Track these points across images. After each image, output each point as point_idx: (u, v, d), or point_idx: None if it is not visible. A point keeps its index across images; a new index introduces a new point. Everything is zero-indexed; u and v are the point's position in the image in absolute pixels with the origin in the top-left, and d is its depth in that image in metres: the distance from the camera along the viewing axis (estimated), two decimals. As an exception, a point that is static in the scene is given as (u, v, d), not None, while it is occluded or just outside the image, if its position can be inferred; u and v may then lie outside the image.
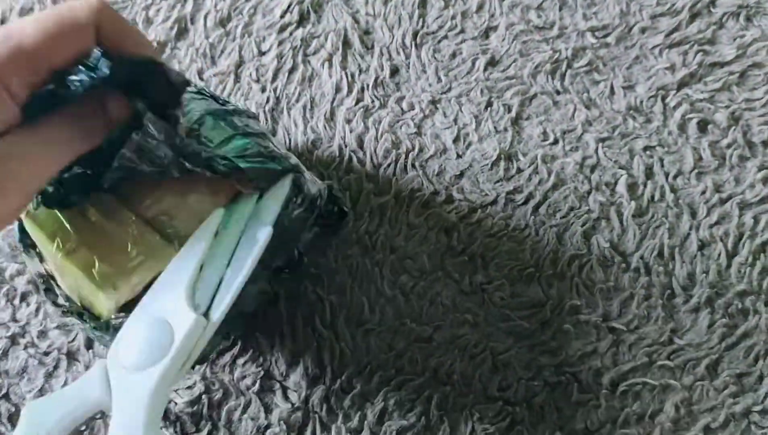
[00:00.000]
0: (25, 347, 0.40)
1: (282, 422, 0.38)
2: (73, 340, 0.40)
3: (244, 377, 0.39)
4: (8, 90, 0.25)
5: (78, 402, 0.27)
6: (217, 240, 0.30)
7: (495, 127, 0.44)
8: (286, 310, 0.40)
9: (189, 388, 0.39)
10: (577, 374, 0.38)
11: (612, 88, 0.44)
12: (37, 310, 0.40)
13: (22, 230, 0.32)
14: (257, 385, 0.39)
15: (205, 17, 0.46)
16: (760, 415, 0.37)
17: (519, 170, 0.43)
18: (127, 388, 0.26)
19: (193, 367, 0.34)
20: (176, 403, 0.39)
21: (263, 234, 0.30)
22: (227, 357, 0.39)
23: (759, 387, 0.38)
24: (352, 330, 0.39)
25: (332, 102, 0.44)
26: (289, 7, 0.46)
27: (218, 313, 0.28)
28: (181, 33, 0.46)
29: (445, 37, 0.46)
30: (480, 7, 0.46)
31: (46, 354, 0.40)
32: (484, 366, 0.38)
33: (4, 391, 0.39)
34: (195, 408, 0.39)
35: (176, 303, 0.27)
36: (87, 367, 0.39)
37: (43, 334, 0.40)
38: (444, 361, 0.39)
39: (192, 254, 0.29)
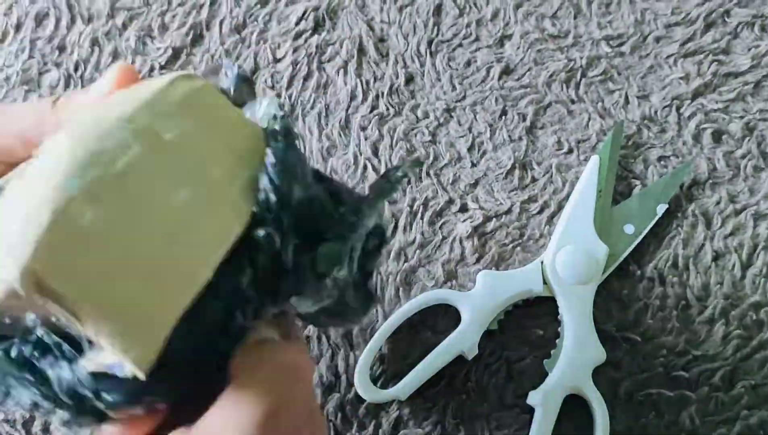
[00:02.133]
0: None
1: (297, 430, 0.38)
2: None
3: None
4: None
5: (522, 285, 0.39)
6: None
7: (510, 136, 0.44)
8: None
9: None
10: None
11: (626, 97, 0.44)
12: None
13: None
14: (272, 392, 0.39)
15: (221, 24, 0.46)
16: (774, 426, 0.38)
17: (534, 179, 0.43)
18: (574, 295, 0.39)
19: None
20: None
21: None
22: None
23: (774, 398, 0.38)
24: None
25: (347, 109, 0.44)
26: (304, 14, 0.46)
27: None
28: (197, 39, 0.46)
29: (460, 45, 0.46)
30: (495, 16, 0.46)
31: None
32: (499, 375, 0.38)
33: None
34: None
35: (591, 238, 0.40)
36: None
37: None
38: (459, 370, 0.39)
39: (585, 202, 0.41)
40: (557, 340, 0.39)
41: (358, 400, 0.38)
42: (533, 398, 0.37)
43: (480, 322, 0.38)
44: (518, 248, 0.41)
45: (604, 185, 0.41)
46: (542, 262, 0.40)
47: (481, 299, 0.39)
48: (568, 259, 0.39)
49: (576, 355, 0.38)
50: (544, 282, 0.39)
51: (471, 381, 0.38)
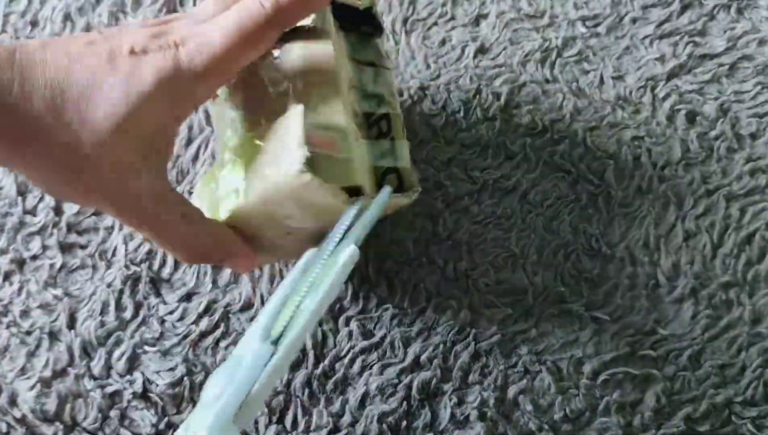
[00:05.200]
0: (8, 326, 0.40)
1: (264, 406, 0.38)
2: (56, 320, 0.40)
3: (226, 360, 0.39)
4: (196, 98, 0.29)
5: None
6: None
7: (484, 115, 0.43)
8: (269, 293, 0.40)
9: (171, 370, 0.39)
10: (557, 362, 0.38)
11: (601, 77, 0.44)
12: (20, 289, 0.40)
13: None
14: (239, 368, 0.39)
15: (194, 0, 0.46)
16: (741, 405, 0.37)
17: (507, 158, 0.43)
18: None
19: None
20: (157, 385, 0.39)
21: (345, 254, 0.28)
22: (210, 340, 0.39)
23: (741, 378, 0.38)
24: (334, 315, 0.39)
25: (320, 87, 0.44)
26: (279, -10, 0.46)
27: (287, 341, 0.26)
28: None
29: (435, 23, 0.45)
30: (471, -5, 0.46)
31: (29, 333, 0.40)
32: (465, 352, 0.38)
33: (-15, 369, 0.39)
34: (176, 390, 0.39)
35: (251, 334, 0.27)
36: (69, 347, 0.39)
37: (25, 313, 0.40)
38: (426, 347, 0.38)
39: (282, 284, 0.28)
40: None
41: (326, 376, 0.38)
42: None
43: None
44: (491, 226, 0.41)
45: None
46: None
47: (449, 276, 0.39)
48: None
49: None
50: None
51: (437, 358, 0.38)
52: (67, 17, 0.45)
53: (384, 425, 0.37)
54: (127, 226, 0.29)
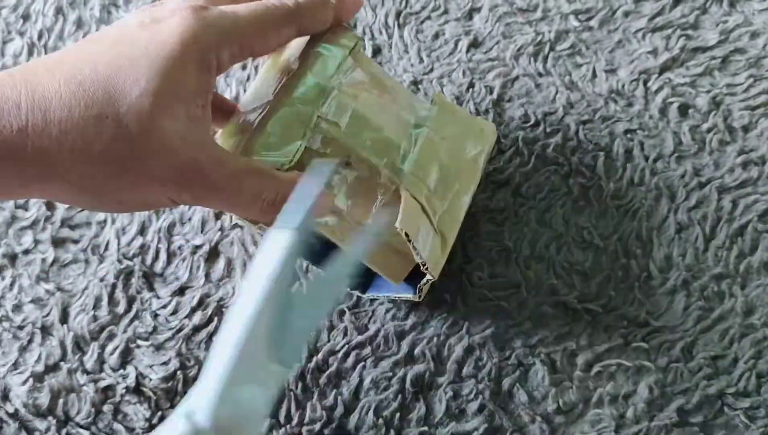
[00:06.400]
0: (0, 321, 0.40)
1: (257, 399, 0.38)
2: (48, 314, 0.40)
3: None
4: (218, 59, 0.28)
5: None
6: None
7: (477, 109, 0.43)
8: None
9: (164, 364, 0.39)
10: (551, 355, 0.38)
11: (594, 71, 0.44)
12: (12, 283, 0.40)
13: None
14: (232, 361, 0.39)
15: (187, -6, 0.46)
16: (733, 397, 0.38)
17: (500, 152, 0.43)
18: None
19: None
20: (151, 379, 0.39)
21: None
22: (203, 334, 0.39)
23: (733, 369, 0.38)
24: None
25: (313, 81, 0.44)
26: (271, -16, 0.46)
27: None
28: (163, 9, 0.45)
29: (429, 17, 0.45)
30: (464, -12, 0.46)
31: (21, 328, 0.39)
32: (459, 346, 0.38)
33: (-23, 364, 0.39)
34: (170, 384, 0.38)
35: None
36: (61, 342, 0.39)
37: (17, 308, 0.40)
38: (419, 340, 0.39)
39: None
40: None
41: (319, 369, 0.38)
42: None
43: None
44: (484, 220, 0.41)
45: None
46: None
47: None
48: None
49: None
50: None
51: (431, 351, 0.38)
52: (59, 11, 0.45)
53: (378, 418, 0.37)
54: (198, 205, 0.29)
